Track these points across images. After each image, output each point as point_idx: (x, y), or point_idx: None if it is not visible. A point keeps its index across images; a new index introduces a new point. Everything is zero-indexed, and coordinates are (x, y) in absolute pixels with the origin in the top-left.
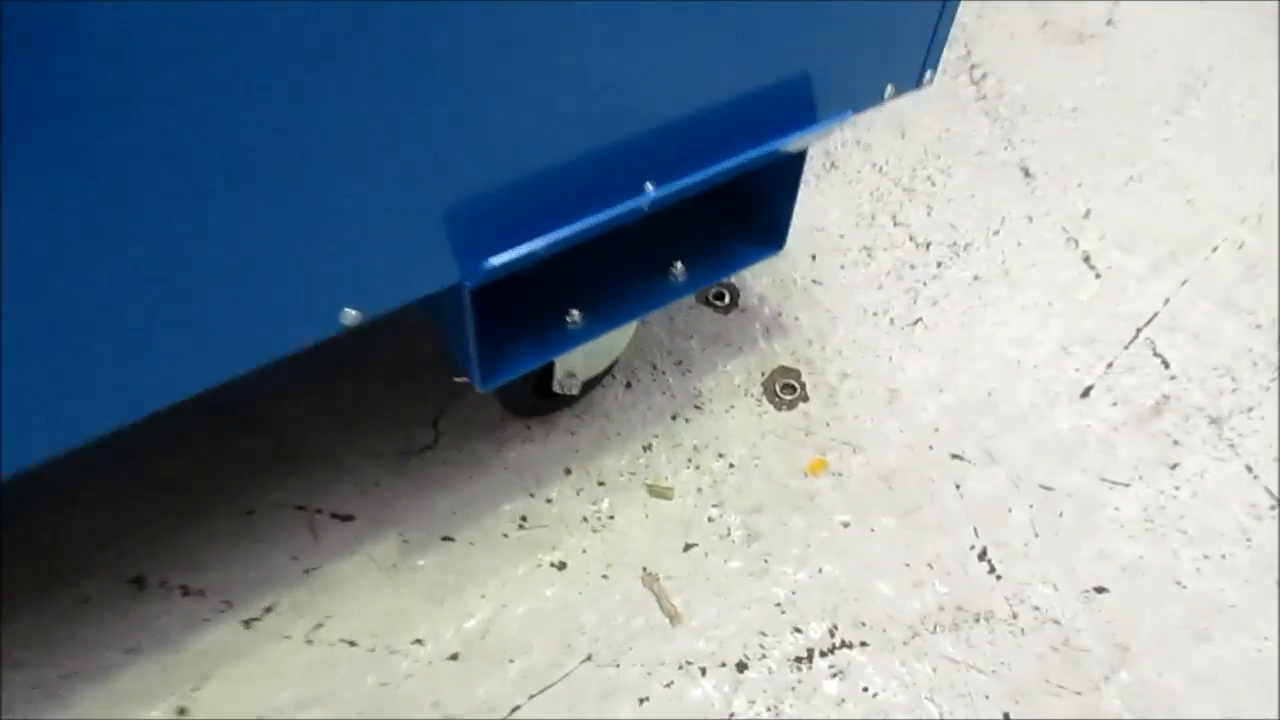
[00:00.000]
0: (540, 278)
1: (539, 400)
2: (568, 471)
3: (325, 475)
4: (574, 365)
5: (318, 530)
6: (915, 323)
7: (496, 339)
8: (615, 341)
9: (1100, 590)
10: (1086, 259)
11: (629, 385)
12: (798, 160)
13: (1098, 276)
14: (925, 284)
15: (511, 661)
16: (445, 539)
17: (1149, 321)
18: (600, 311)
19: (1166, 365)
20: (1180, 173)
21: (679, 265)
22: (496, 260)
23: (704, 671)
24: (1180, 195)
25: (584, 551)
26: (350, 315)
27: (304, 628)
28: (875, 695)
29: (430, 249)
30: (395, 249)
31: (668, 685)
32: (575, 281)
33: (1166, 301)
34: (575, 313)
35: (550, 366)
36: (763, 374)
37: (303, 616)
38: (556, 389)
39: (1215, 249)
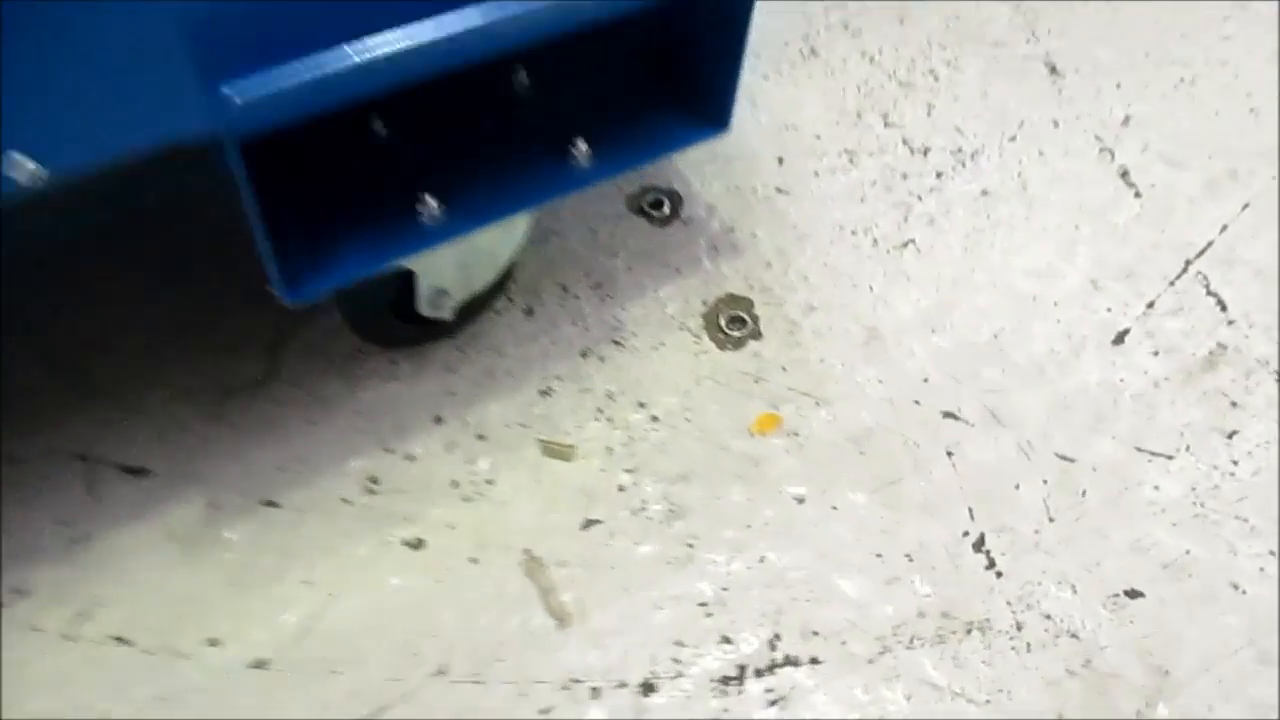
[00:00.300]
0: (393, 160)
1: (404, 327)
2: (438, 420)
3: (116, 416)
4: (444, 279)
5: (98, 487)
6: (905, 245)
7: (317, 235)
8: (500, 248)
9: (1134, 594)
10: (1124, 174)
11: (530, 312)
12: (740, 8)
13: (1138, 196)
14: (920, 198)
15: (336, 673)
16: (267, 504)
17: (1201, 253)
18: (469, 203)
19: (1223, 306)
20: (1243, 75)
21: (582, 145)
22: (256, 92)
23: (596, 693)
24: (1242, 102)
25: (450, 527)
26: (24, 168)
27: (62, 618)
28: None
29: (146, 65)
30: (90, 63)
31: (545, 712)
32: (439, 165)
33: (1223, 229)
34: (431, 202)
35: (411, 281)
36: (705, 303)
37: (63, 603)
38: (424, 311)
39: None
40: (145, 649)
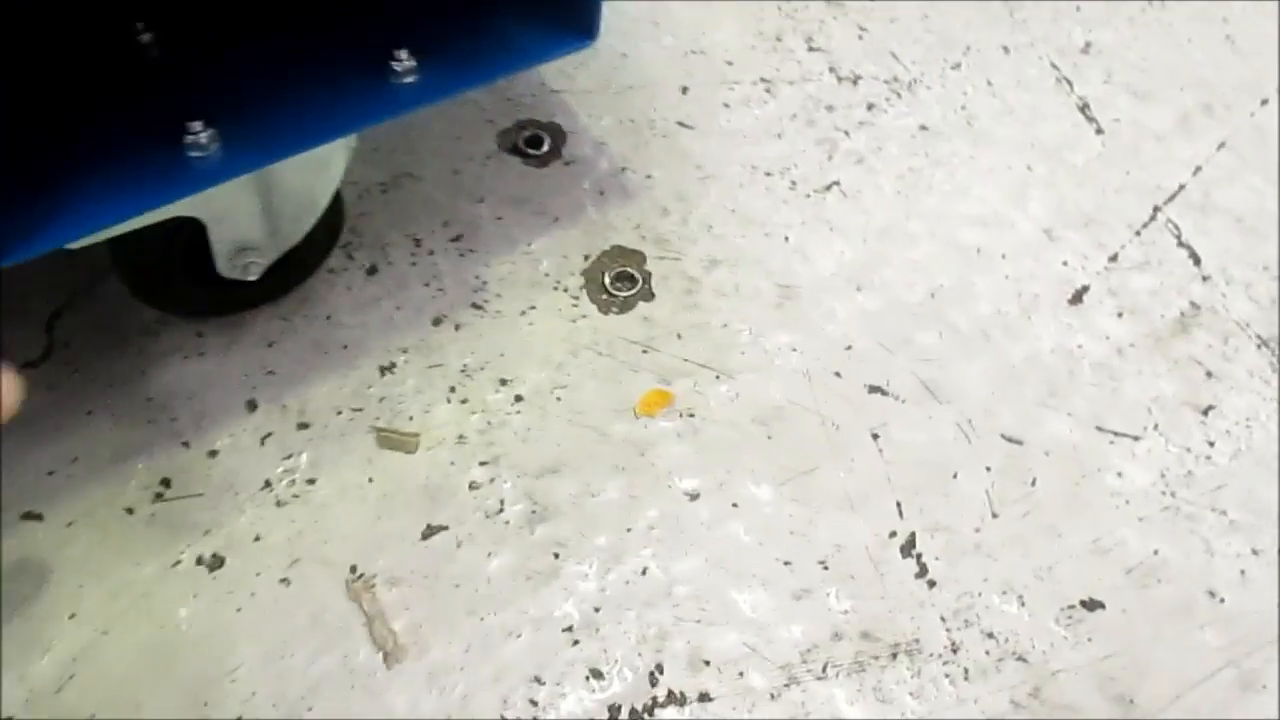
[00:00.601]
0: (162, 81)
1: (203, 292)
2: (252, 406)
3: None
4: (245, 231)
5: None
6: (828, 188)
7: (48, 176)
8: (316, 191)
9: (1092, 606)
10: (1084, 108)
11: (373, 271)
12: None
13: (1100, 133)
14: (848, 134)
15: None
16: (28, 516)
17: (1171, 198)
18: (255, 133)
19: (1196, 260)
20: None
21: (405, 58)
22: None
23: None
24: (1218, 29)
25: (257, 539)
26: None
27: None
28: None
29: None
30: None
31: None
32: (219, 87)
33: (1197, 170)
34: (201, 132)
35: (204, 234)
36: (587, 258)
37: None
38: (224, 272)
39: (1265, 102)
40: None
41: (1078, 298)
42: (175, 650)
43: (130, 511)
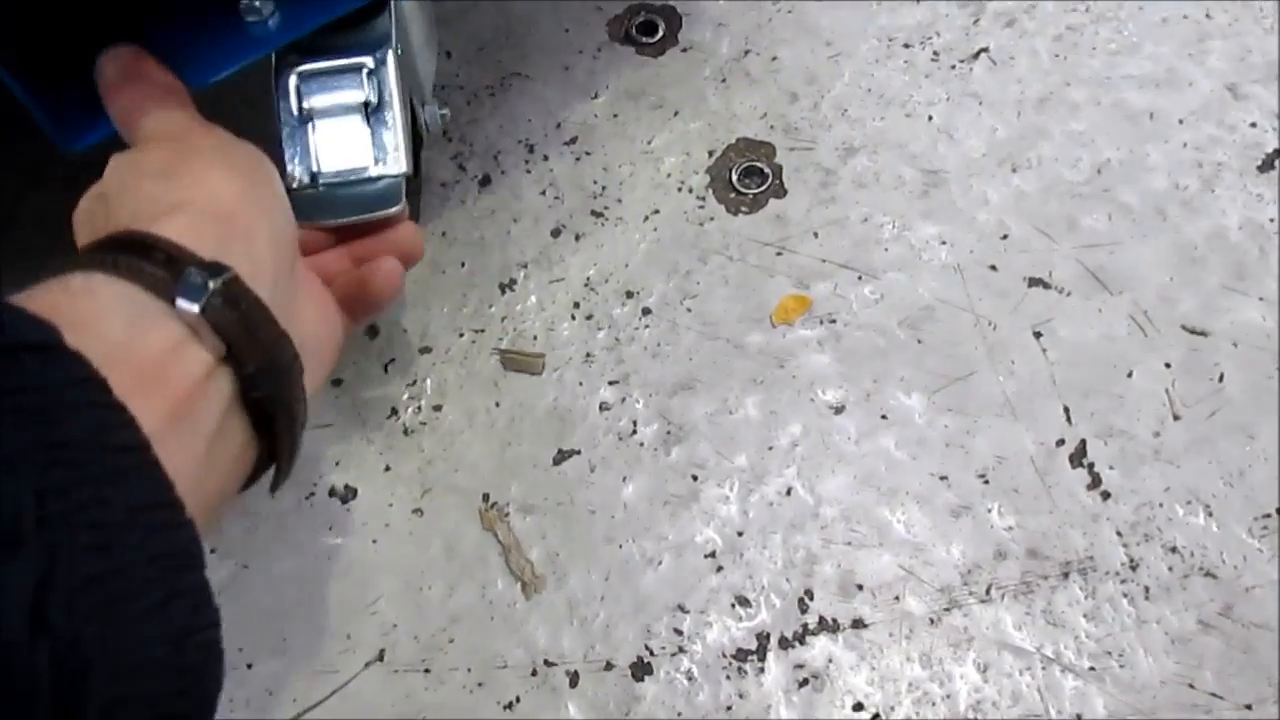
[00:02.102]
0: None
1: None
2: (372, 332)
3: None
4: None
5: None
6: (975, 56)
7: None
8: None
9: None
10: None
11: (486, 181)
12: None
13: None
14: None
15: (253, 664)
16: None
17: None
18: None
19: None
20: None
21: None
22: None
23: (574, 679)
24: None
25: (387, 469)
26: None
27: None
28: (874, 716)
29: None
30: None
31: (508, 706)
32: None
33: None
34: None
35: None
36: (711, 153)
37: None
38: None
39: None
40: None
41: (1268, 164)
42: (315, 583)
43: None
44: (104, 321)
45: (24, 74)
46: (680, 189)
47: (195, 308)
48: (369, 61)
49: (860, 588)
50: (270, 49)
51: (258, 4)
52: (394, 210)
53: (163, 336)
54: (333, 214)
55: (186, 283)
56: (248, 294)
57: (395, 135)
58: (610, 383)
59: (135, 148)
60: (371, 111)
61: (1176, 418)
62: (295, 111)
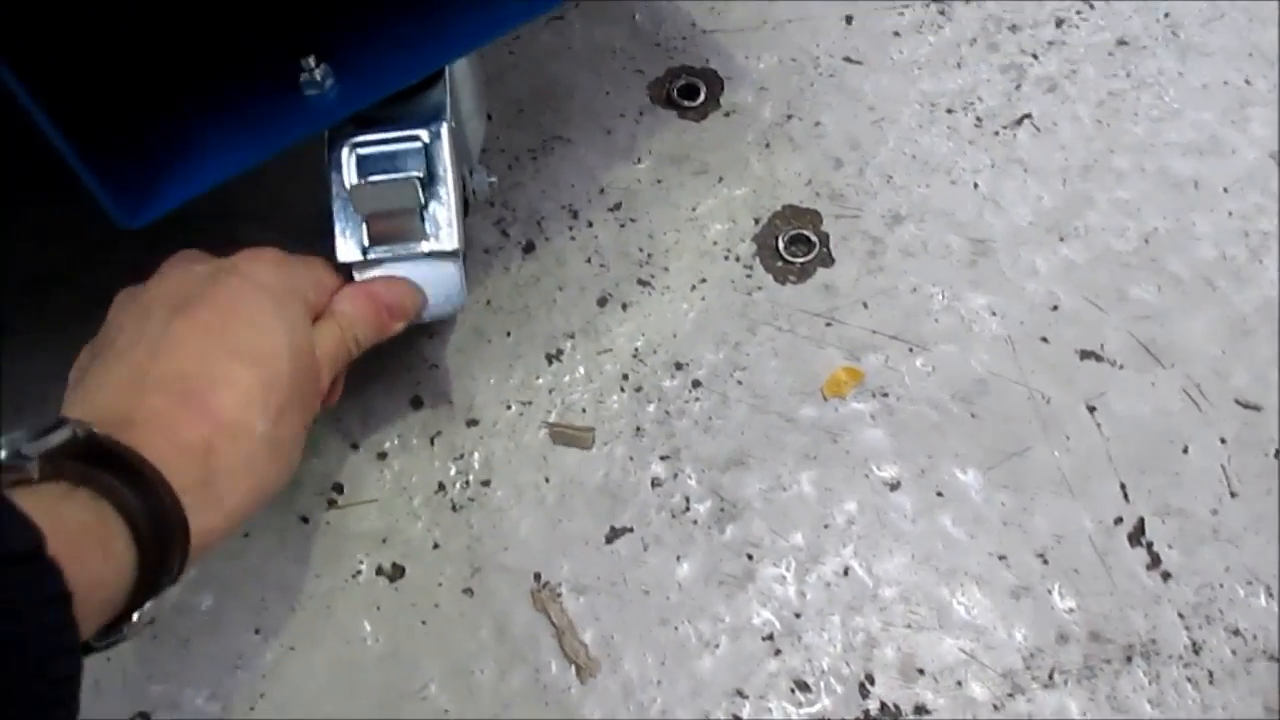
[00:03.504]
0: (251, 15)
1: None
2: (417, 403)
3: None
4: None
5: None
6: (1018, 122)
7: (158, 125)
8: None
9: None
10: None
11: (529, 248)
12: None
13: None
14: (1036, 57)
15: None
16: None
17: None
18: (364, 63)
19: None
20: None
21: None
22: None
23: None
24: None
25: (435, 547)
26: None
27: None
28: None
29: None
30: None
31: None
32: (320, 21)
33: None
34: (317, 68)
35: None
36: (757, 220)
37: None
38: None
39: None
40: None
41: None
42: (363, 666)
43: (305, 520)
44: (96, 592)
45: (81, 142)
46: (727, 257)
47: (133, 629)
48: (424, 135)
49: (922, 672)
50: (329, 123)
51: (318, 77)
52: (456, 308)
53: (120, 565)
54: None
55: (145, 611)
56: (184, 550)
57: (448, 211)
58: (661, 457)
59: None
60: (424, 185)
61: (1234, 495)
62: (348, 184)
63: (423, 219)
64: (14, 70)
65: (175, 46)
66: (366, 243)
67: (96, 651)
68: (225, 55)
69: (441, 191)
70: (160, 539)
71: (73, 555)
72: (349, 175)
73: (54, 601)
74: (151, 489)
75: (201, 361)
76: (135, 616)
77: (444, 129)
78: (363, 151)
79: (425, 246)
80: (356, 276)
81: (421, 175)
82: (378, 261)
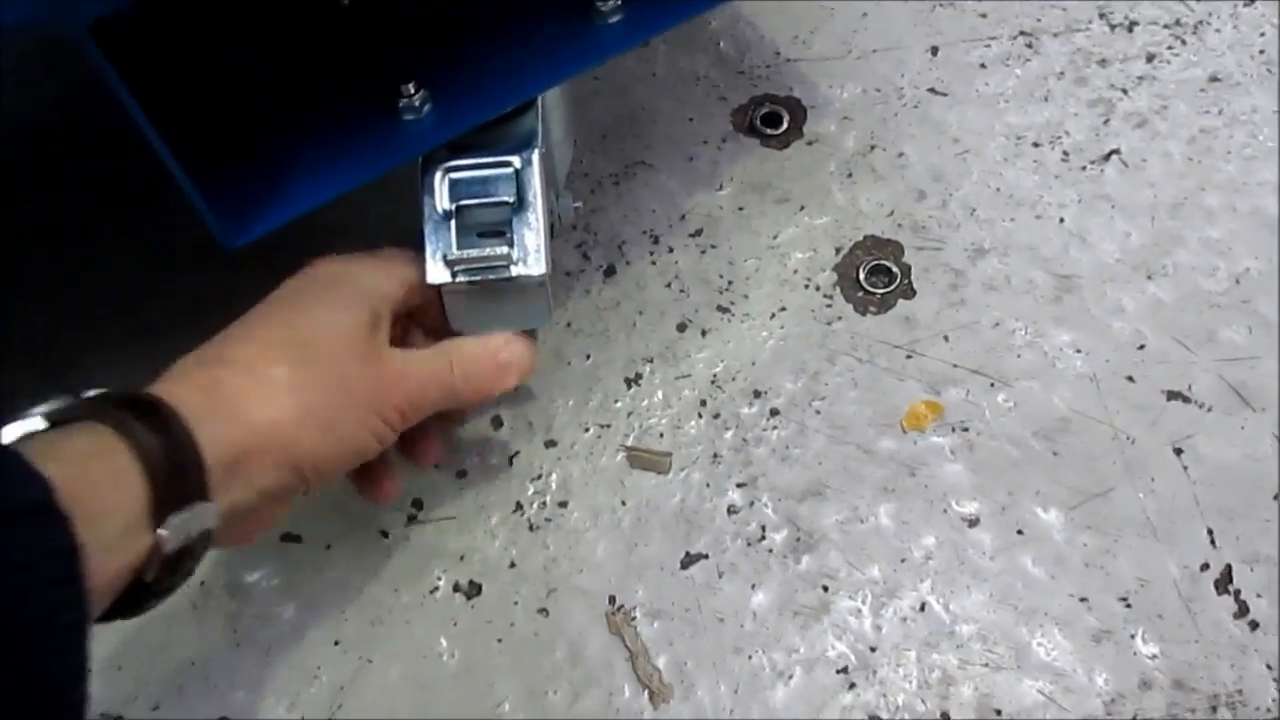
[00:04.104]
0: (343, 38)
1: None
2: (497, 423)
3: None
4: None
5: None
6: (1106, 158)
7: (257, 146)
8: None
9: None
10: None
11: (610, 272)
12: None
13: None
14: (1126, 92)
15: None
16: (288, 538)
17: None
18: (462, 88)
19: None
20: None
21: None
22: None
23: None
24: None
25: (512, 566)
26: None
27: None
28: None
29: None
30: None
31: None
32: (407, 41)
33: None
34: (415, 94)
35: None
36: (838, 250)
37: None
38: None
39: None
40: None
41: None
42: (438, 682)
43: (385, 535)
44: (109, 517)
45: (190, 162)
46: (807, 286)
47: (164, 546)
48: (515, 161)
49: (999, 713)
50: (426, 149)
51: (416, 104)
52: (544, 324)
53: (136, 549)
54: (481, 326)
55: (174, 527)
56: (206, 541)
57: (537, 236)
58: (738, 485)
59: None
60: (514, 210)
61: None
62: (439, 209)
63: (512, 244)
64: (132, 94)
65: (282, 73)
66: (456, 264)
67: (151, 601)
68: (328, 81)
69: (531, 217)
70: (169, 453)
71: (76, 487)
72: (441, 199)
73: (62, 553)
74: (143, 402)
75: (236, 331)
76: (165, 531)
77: (535, 155)
78: (455, 176)
79: (514, 271)
80: (446, 298)
81: (512, 200)
82: (467, 284)
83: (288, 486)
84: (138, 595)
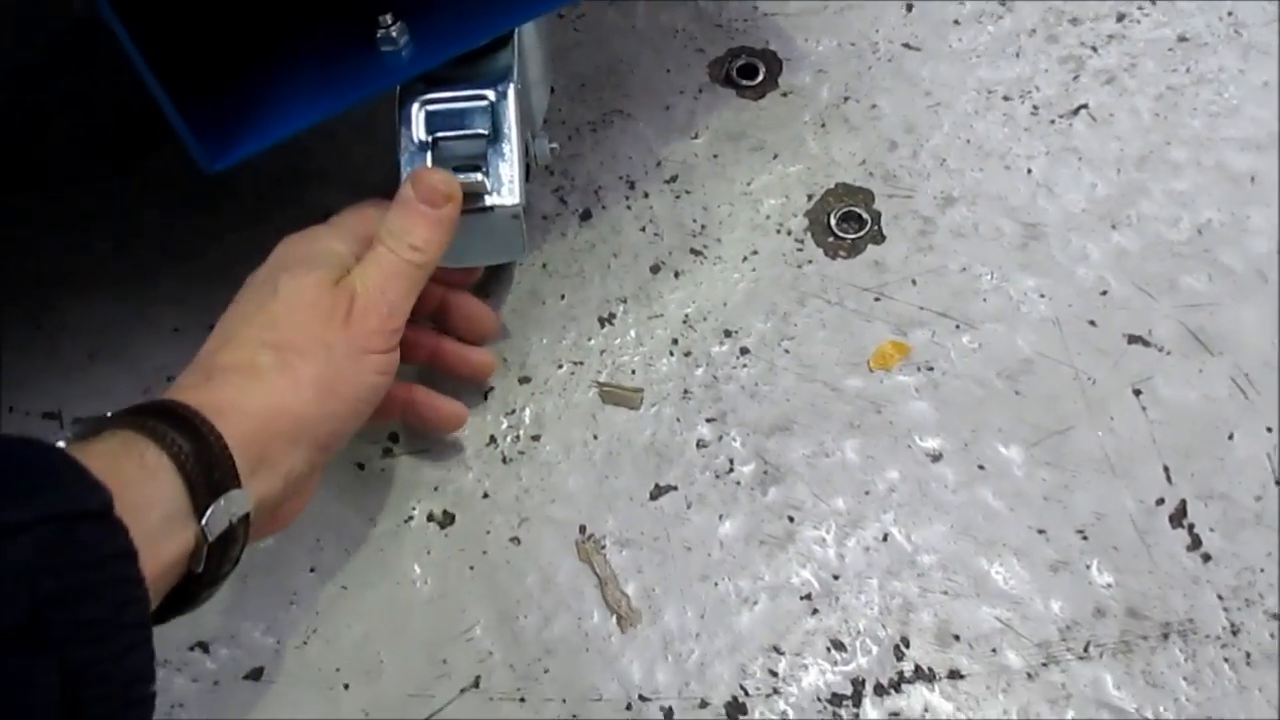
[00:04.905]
0: None
1: None
2: None
3: (88, 363)
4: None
5: None
6: (1075, 112)
7: (240, 73)
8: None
9: None
10: None
11: (587, 216)
12: None
13: None
14: (1095, 49)
15: (348, 686)
16: None
17: None
18: (438, 20)
19: None
20: None
21: None
22: None
23: (668, 716)
24: None
25: (485, 497)
26: None
27: None
28: None
29: None
30: None
31: None
32: None
33: None
34: (393, 25)
35: None
36: (810, 197)
37: None
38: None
39: None
40: None
41: None
42: (412, 607)
43: (361, 467)
44: (149, 510)
45: (172, 88)
46: (779, 231)
47: (209, 534)
48: (490, 94)
49: (957, 638)
50: (402, 79)
51: (394, 35)
52: (519, 258)
53: (181, 541)
54: (458, 259)
55: (215, 514)
56: (245, 526)
57: (511, 168)
58: (708, 420)
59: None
60: (489, 143)
61: (1279, 483)
62: (416, 140)
63: (487, 174)
64: (120, 20)
65: (263, 2)
66: None
67: (203, 594)
68: (308, 11)
69: (506, 149)
70: (197, 447)
71: (114, 484)
72: (418, 131)
73: (123, 555)
74: (162, 409)
75: (217, 335)
76: (206, 519)
77: (510, 90)
78: (432, 108)
79: (489, 200)
80: None
81: (487, 132)
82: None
83: (310, 462)
84: (189, 588)
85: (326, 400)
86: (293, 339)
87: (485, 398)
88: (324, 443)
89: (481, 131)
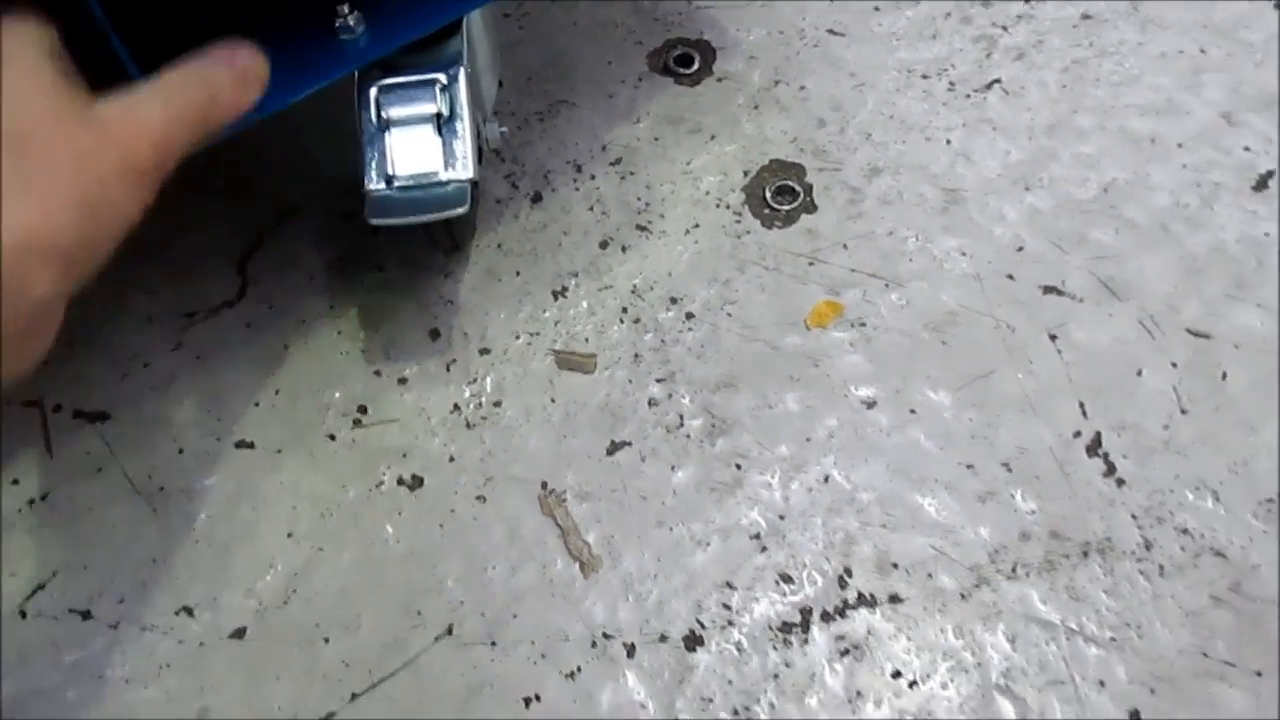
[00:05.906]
0: None
1: None
2: (434, 335)
3: (68, 352)
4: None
5: (53, 437)
6: (989, 87)
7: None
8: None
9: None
10: None
11: (537, 198)
12: None
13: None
14: (1006, 29)
15: (327, 640)
16: (241, 445)
17: None
18: (393, 8)
19: None
20: None
21: None
22: None
23: (631, 650)
24: None
25: (451, 460)
26: None
27: (15, 591)
28: (911, 682)
29: None
30: None
31: (570, 675)
32: None
33: None
34: (350, 14)
35: None
36: (746, 173)
37: (15, 573)
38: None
39: None
40: (109, 622)
41: (1262, 184)
42: (386, 565)
43: (332, 438)
44: None
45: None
46: (718, 205)
47: None
48: (442, 78)
49: (896, 566)
50: (359, 65)
51: (351, 24)
52: (461, 211)
53: None
54: (404, 214)
55: None
56: None
57: (464, 145)
58: (658, 380)
59: None
60: (443, 123)
61: (1184, 412)
62: (375, 121)
63: (443, 151)
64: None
65: None
66: (392, 171)
67: None
68: (270, 2)
69: (459, 126)
70: None
71: None
72: (376, 112)
73: None
74: None
75: None
76: None
77: (461, 72)
78: (389, 92)
79: (444, 175)
80: (370, 197)
81: (440, 111)
82: (403, 189)
83: (60, 289)
84: None
85: (86, 220)
86: (31, 155)
87: (448, 369)
88: (78, 261)
89: (437, 110)
